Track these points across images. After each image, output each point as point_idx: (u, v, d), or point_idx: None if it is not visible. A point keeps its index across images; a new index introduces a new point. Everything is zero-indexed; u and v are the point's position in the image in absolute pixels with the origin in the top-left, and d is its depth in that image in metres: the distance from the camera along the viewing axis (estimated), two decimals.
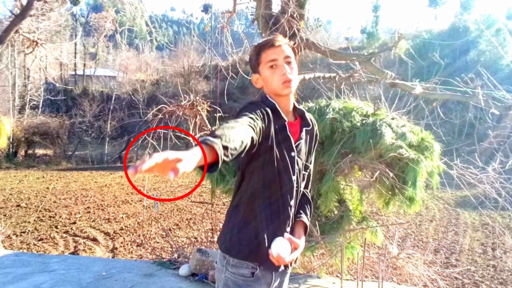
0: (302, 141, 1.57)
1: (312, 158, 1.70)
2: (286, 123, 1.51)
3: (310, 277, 4.17)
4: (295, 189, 1.55)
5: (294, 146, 1.52)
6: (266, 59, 1.52)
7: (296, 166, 1.53)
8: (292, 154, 1.51)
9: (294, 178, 1.53)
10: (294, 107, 1.61)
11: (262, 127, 1.38)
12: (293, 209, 1.56)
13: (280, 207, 1.51)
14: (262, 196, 1.49)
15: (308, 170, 1.66)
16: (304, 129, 1.59)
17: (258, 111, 1.40)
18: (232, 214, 1.57)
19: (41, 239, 7.28)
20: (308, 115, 1.64)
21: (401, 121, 3.75)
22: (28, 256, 4.59)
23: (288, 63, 1.52)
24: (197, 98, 4.21)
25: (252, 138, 1.29)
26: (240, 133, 1.21)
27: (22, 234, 7.57)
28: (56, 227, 8.16)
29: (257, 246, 1.47)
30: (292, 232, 1.57)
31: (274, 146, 1.46)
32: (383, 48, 6.81)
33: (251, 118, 1.34)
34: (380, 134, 3.38)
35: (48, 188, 13.19)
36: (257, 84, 1.59)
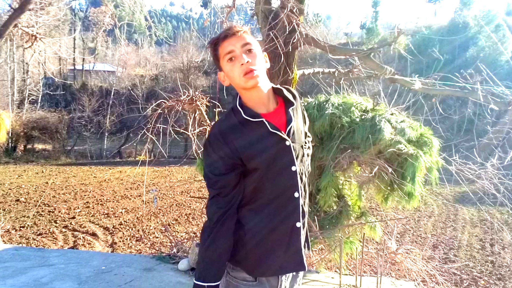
0: (293, 123, 1.42)
1: (306, 128, 1.59)
2: (263, 120, 1.37)
3: (309, 272, 4.19)
4: (298, 178, 1.42)
5: (285, 135, 1.38)
6: (223, 53, 1.39)
7: (293, 153, 1.41)
8: (287, 143, 1.38)
9: (294, 168, 1.41)
10: (273, 90, 1.47)
11: (239, 168, 1.37)
12: (300, 200, 1.42)
13: (280, 207, 1.41)
14: (264, 198, 1.40)
15: (307, 146, 1.56)
16: (290, 109, 1.44)
17: (222, 166, 1.35)
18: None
19: (40, 234, 7.29)
20: (286, 92, 1.48)
21: (400, 116, 3.75)
22: (27, 251, 4.60)
23: (248, 51, 1.37)
24: (197, 93, 4.20)
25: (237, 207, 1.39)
26: (226, 250, 1.34)
27: (22, 228, 7.58)
28: (55, 222, 8.18)
29: (258, 259, 1.39)
30: None
31: (264, 155, 1.36)
32: (382, 43, 6.79)
33: (227, 194, 1.36)
34: (379, 129, 3.38)
35: (47, 183, 13.20)
36: (224, 82, 1.45)
